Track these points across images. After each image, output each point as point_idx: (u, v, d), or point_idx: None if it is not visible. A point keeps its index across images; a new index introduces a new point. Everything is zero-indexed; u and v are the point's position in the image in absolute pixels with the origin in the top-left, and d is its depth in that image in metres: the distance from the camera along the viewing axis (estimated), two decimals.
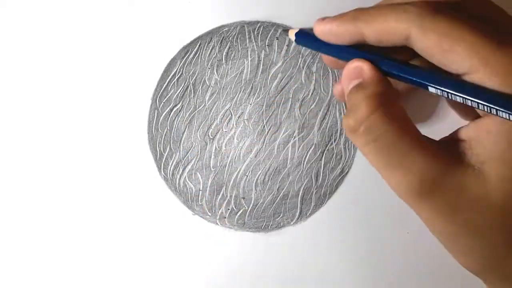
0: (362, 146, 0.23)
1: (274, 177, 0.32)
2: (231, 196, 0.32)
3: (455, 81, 0.21)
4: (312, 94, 0.32)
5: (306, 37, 0.26)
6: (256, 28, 0.33)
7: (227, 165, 0.32)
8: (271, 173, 0.32)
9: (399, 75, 0.23)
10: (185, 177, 0.32)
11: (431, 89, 0.22)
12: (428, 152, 0.22)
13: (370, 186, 0.32)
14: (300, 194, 0.32)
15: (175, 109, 0.33)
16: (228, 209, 0.32)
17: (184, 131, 0.32)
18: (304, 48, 0.32)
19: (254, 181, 0.32)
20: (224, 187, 0.32)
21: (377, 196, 0.32)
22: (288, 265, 0.32)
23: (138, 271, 0.32)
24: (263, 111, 0.32)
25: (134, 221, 0.32)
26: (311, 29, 0.25)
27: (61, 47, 0.33)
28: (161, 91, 0.33)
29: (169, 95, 0.33)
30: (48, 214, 0.32)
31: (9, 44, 0.33)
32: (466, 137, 0.23)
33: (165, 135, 0.33)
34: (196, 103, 0.33)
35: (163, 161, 0.32)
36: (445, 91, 0.22)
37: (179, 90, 0.33)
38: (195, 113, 0.32)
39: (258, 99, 0.32)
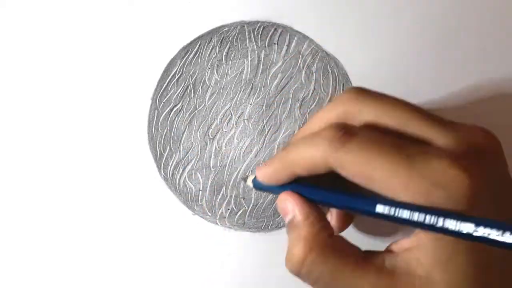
0: (310, 285, 0.24)
1: None
2: (231, 196, 0.32)
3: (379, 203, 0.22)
4: (312, 94, 0.32)
5: (259, 182, 0.27)
6: (256, 28, 0.33)
7: (227, 165, 0.32)
8: None
9: (323, 202, 0.24)
10: (185, 177, 0.32)
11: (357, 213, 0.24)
12: (372, 274, 0.22)
13: None
14: None
15: (175, 109, 0.33)
16: (228, 209, 0.32)
17: (184, 131, 0.32)
18: (304, 48, 0.32)
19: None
20: (224, 187, 0.32)
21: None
22: None
23: (138, 271, 0.32)
24: (263, 111, 0.32)
25: (134, 221, 0.32)
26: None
27: (61, 47, 0.33)
28: (161, 91, 0.33)
29: (169, 95, 0.33)
30: (48, 214, 0.32)
31: (9, 44, 0.33)
32: (408, 248, 0.23)
33: (165, 135, 0.33)
34: (196, 103, 0.33)
35: (163, 161, 0.32)
36: (368, 213, 0.22)
37: (179, 90, 0.33)
38: (195, 113, 0.32)
39: (258, 99, 0.32)
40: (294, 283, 0.32)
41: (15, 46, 0.33)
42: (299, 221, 0.24)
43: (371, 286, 0.22)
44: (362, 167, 0.22)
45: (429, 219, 0.20)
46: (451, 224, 0.20)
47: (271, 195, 0.32)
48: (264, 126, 0.32)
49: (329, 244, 0.23)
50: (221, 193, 0.32)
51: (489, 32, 0.32)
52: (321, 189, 0.24)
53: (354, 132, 0.22)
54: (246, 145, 0.32)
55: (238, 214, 0.32)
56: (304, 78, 0.32)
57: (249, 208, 0.32)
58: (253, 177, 0.28)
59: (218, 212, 0.32)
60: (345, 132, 0.22)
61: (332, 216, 0.28)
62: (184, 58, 0.33)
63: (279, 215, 0.32)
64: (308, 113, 0.32)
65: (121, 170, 0.32)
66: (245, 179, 0.29)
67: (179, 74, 0.33)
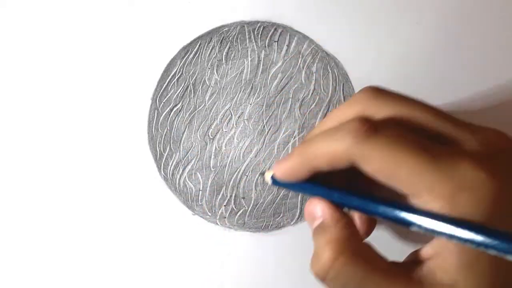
0: None
1: None
2: (231, 196, 0.32)
3: (396, 206, 0.22)
4: (312, 94, 0.32)
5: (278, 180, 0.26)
6: (256, 28, 0.33)
7: (227, 165, 0.32)
8: None
9: (352, 206, 0.23)
10: (185, 177, 0.32)
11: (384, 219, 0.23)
12: (399, 283, 0.22)
13: None
14: (300, 194, 0.32)
15: (175, 109, 0.33)
16: (228, 209, 0.32)
17: (184, 131, 0.32)
18: (304, 48, 0.32)
19: (254, 181, 0.32)
20: (224, 187, 0.32)
21: None
22: (288, 265, 0.32)
23: (138, 271, 0.32)
24: (263, 111, 0.32)
25: (134, 221, 0.32)
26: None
27: (61, 47, 0.33)
28: (161, 91, 0.33)
29: (169, 95, 0.33)
30: (48, 214, 0.32)
31: (9, 44, 0.33)
32: (432, 256, 0.22)
33: (165, 135, 0.33)
34: (196, 103, 0.33)
35: (163, 161, 0.32)
36: (391, 218, 0.22)
37: (179, 90, 0.33)
38: (195, 113, 0.33)
39: (258, 99, 0.32)
40: (293, 282, 0.32)
41: (15, 46, 0.33)
42: (330, 225, 0.23)
43: None
44: (387, 163, 0.21)
45: (452, 230, 0.20)
46: (476, 237, 0.20)
47: (271, 195, 0.32)
48: (264, 126, 0.32)
49: (359, 250, 0.23)
50: (221, 193, 0.32)
51: (492, 34, 0.32)
52: (340, 191, 0.24)
53: (380, 127, 0.22)
54: (246, 145, 0.32)
55: (238, 214, 0.32)
56: (304, 78, 0.32)
57: (249, 208, 0.32)
58: (271, 173, 0.27)
59: (218, 212, 0.32)
60: (370, 125, 0.22)
61: (356, 222, 0.27)
62: (184, 58, 0.33)
63: (279, 215, 0.32)
64: (308, 113, 0.32)
65: (121, 170, 0.32)
66: (263, 174, 0.28)
67: (179, 74, 0.33)
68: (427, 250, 0.23)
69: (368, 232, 0.27)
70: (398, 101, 0.23)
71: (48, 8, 0.33)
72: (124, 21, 0.33)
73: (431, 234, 0.21)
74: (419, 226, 0.21)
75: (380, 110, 0.23)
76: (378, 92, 0.24)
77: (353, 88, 0.32)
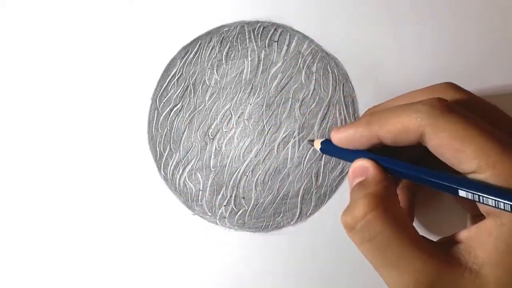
0: (358, 244, 0.23)
1: (274, 177, 0.32)
2: (231, 196, 0.32)
3: (463, 179, 0.22)
4: (312, 94, 0.32)
5: (330, 145, 0.27)
6: (256, 28, 0.33)
7: (227, 165, 0.32)
8: (271, 173, 0.32)
9: (403, 172, 0.24)
10: (185, 177, 0.32)
11: (439, 187, 0.23)
12: (425, 253, 0.22)
13: None
14: (300, 194, 0.32)
15: (175, 109, 0.33)
16: (228, 209, 0.32)
17: (184, 131, 0.32)
18: (304, 48, 0.32)
19: (254, 181, 0.32)
20: (224, 187, 0.32)
21: None
22: (288, 265, 0.32)
23: (138, 271, 0.32)
24: (263, 111, 0.32)
25: (134, 221, 0.32)
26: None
27: (61, 47, 0.33)
28: (161, 91, 0.33)
29: (169, 95, 0.33)
30: (48, 214, 0.32)
31: (9, 44, 0.33)
32: (465, 239, 0.23)
33: (165, 135, 0.33)
34: (196, 103, 0.33)
35: (163, 161, 0.32)
36: (455, 187, 0.23)
37: (179, 90, 0.33)
38: (195, 113, 0.32)
39: (258, 99, 0.32)
40: (293, 282, 0.32)
41: (15, 46, 0.33)
42: (372, 182, 0.24)
43: (421, 266, 0.22)
44: (457, 137, 0.22)
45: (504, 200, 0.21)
46: None
47: (271, 196, 0.32)
48: (264, 126, 0.32)
49: (394, 212, 0.23)
50: (221, 193, 0.32)
51: (492, 34, 0.32)
52: (402, 161, 0.24)
53: (456, 107, 0.23)
54: (246, 145, 0.32)
55: (238, 214, 0.32)
56: (304, 78, 0.32)
57: (249, 208, 0.32)
58: (321, 140, 0.28)
59: (218, 212, 0.32)
60: (448, 103, 0.23)
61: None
62: (184, 58, 0.33)
63: (279, 215, 0.32)
64: (308, 113, 0.32)
65: (121, 170, 0.32)
66: (312, 141, 0.29)
67: (179, 74, 0.33)
68: (463, 233, 0.23)
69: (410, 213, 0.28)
70: (470, 96, 0.25)
71: (48, 8, 0.33)
72: (124, 21, 0.33)
73: (483, 200, 0.22)
74: (472, 193, 0.22)
75: (456, 100, 0.25)
76: (455, 86, 0.26)
77: (353, 88, 0.32)
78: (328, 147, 0.27)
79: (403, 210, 0.24)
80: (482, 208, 0.23)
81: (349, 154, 0.26)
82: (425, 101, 0.23)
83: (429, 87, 0.26)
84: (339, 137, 0.26)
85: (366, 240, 0.23)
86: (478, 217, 0.24)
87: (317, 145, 0.28)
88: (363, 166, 0.25)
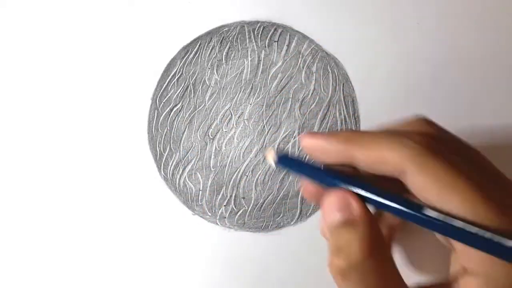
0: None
1: (274, 177, 0.32)
2: (231, 196, 0.32)
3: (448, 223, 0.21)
4: (312, 94, 0.32)
5: (287, 159, 0.24)
6: (256, 28, 0.33)
7: (227, 165, 0.32)
8: (271, 173, 0.32)
9: (387, 206, 0.22)
10: (185, 177, 0.32)
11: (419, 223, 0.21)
12: None
13: None
14: (300, 194, 0.32)
15: (175, 109, 0.33)
16: (228, 209, 0.32)
17: (184, 131, 0.32)
18: (304, 48, 0.32)
19: (254, 181, 0.32)
20: (224, 187, 0.32)
21: None
22: (288, 265, 0.32)
23: (138, 271, 0.32)
24: (263, 111, 0.32)
25: (134, 221, 0.32)
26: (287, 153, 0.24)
27: (61, 47, 0.33)
28: (161, 91, 0.33)
29: (169, 95, 0.33)
30: (48, 214, 0.32)
31: (9, 44, 0.33)
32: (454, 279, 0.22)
33: (165, 135, 0.33)
34: (196, 103, 0.33)
35: (163, 161, 0.32)
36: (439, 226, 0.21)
37: (179, 90, 0.33)
38: (195, 113, 0.33)
39: (258, 99, 0.32)
40: (294, 283, 0.32)
41: (15, 46, 0.33)
42: (361, 222, 0.22)
43: None
44: (444, 185, 0.20)
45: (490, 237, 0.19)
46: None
47: (271, 196, 0.32)
48: (264, 126, 0.32)
49: (388, 256, 0.22)
50: (221, 193, 0.32)
51: (492, 34, 0.32)
52: (386, 193, 0.22)
53: (439, 148, 0.21)
54: (246, 145, 0.32)
55: (238, 214, 0.32)
56: (304, 78, 0.32)
57: (249, 208, 0.32)
58: (273, 152, 0.24)
59: (218, 212, 0.32)
60: (438, 142, 0.21)
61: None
62: (184, 58, 0.33)
63: (279, 215, 0.32)
64: (308, 113, 0.32)
65: (121, 170, 0.32)
66: (264, 153, 0.27)
67: (179, 74, 0.33)
68: (452, 277, 0.22)
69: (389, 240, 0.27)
70: (443, 131, 0.23)
71: (48, 8, 0.33)
72: (124, 21, 0.33)
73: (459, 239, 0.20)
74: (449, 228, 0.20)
75: (432, 136, 0.23)
76: (428, 121, 0.24)
77: (353, 88, 0.32)
78: (286, 161, 0.24)
79: (391, 256, 0.23)
80: (463, 259, 0.22)
81: (312, 171, 0.23)
82: (412, 136, 0.21)
83: (404, 122, 0.24)
84: (310, 143, 0.23)
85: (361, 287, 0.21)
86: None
87: (270, 157, 0.24)
88: (345, 200, 0.22)
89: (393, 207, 0.21)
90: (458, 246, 0.21)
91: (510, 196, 0.21)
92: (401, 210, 0.21)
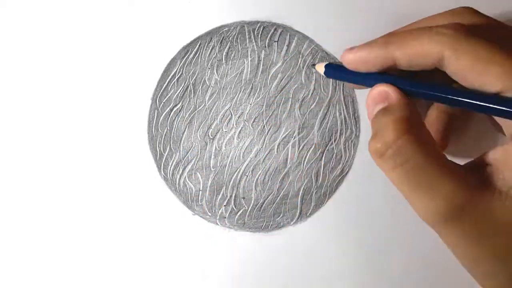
0: (389, 170, 0.23)
1: (274, 177, 0.32)
2: (231, 196, 0.32)
3: (487, 96, 0.22)
4: (312, 94, 0.32)
5: (334, 68, 0.26)
6: (256, 28, 0.33)
7: (227, 165, 0.32)
8: (271, 173, 0.32)
9: (427, 93, 0.23)
10: (185, 177, 0.32)
11: (462, 105, 0.23)
12: (456, 176, 0.22)
13: (370, 186, 0.32)
14: (300, 194, 0.32)
15: (175, 109, 0.33)
16: (228, 209, 0.32)
17: (184, 131, 0.33)
18: (304, 48, 0.32)
19: (254, 181, 0.32)
20: (224, 187, 0.32)
21: (377, 196, 0.32)
22: (288, 265, 0.32)
23: (138, 271, 0.32)
24: (263, 111, 0.32)
25: (134, 221, 0.32)
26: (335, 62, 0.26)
27: (61, 47, 0.33)
28: (161, 91, 0.33)
29: (169, 95, 0.33)
30: (48, 214, 0.32)
31: (9, 44, 0.33)
32: (493, 161, 0.23)
33: (165, 135, 0.33)
34: (196, 103, 0.33)
35: (163, 161, 0.32)
36: (479, 104, 0.22)
37: (179, 90, 0.33)
38: (195, 113, 0.33)
39: (258, 99, 0.32)
40: (294, 283, 0.32)
41: (15, 46, 0.33)
42: (397, 107, 0.23)
43: (453, 188, 0.22)
44: (480, 61, 0.21)
45: None
46: None
47: (271, 196, 0.32)
48: (264, 126, 0.32)
49: (424, 134, 0.23)
50: (221, 193, 0.32)
51: None
52: (424, 83, 0.23)
53: (476, 31, 0.22)
54: (246, 145, 0.32)
55: (238, 214, 0.32)
56: (304, 78, 0.32)
57: (249, 208, 0.32)
58: (323, 65, 0.26)
59: (218, 212, 0.32)
60: (470, 28, 0.22)
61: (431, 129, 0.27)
62: (184, 58, 0.33)
63: (279, 215, 0.32)
64: (308, 113, 0.32)
65: (121, 170, 0.32)
66: (313, 65, 0.28)
67: (179, 74, 0.33)
68: (491, 155, 0.23)
69: (444, 142, 0.28)
70: (490, 20, 0.24)
71: (48, 8, 0.33)
72: (124, 21, 0.33)
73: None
74: (497, 110, 0.22)
75: (475, 24, 0.24)
76: (473, 10, 0.25)
77: (353, 88, 0.32)
78: (334, 70, 0.26)
79: (430, 134, 0.23)
80: (508, 130, 0.23)
81: (358, 77, 0.25)
82: (448, 25, 0.23)
83: (448, 12, 0.25)
84: (352, 58, 0.24)
85: (397, 165, 0.22)
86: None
87: (320, 68, 0.26)
88: (383, 91, 0.24)
89: (432, 94, 0.23)
90: (503, 123, 0.23)
91: None
92: (438, 95, 0.23)
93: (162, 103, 0.33)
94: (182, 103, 0.33)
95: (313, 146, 0.32)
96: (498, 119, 0.23)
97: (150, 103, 0.33)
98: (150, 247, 0.32)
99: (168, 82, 0.33)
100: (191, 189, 0.32)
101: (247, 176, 0.32)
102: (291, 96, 0.32)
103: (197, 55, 0.33)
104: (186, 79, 0.33)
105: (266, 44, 0.33)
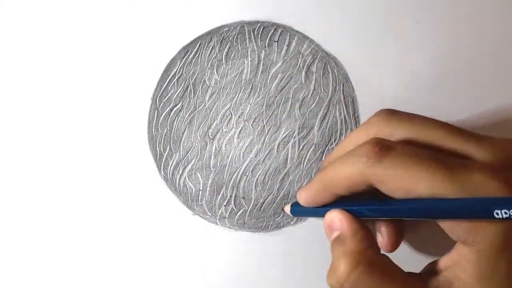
0: None
1: (274, 177, 0.32)
2: (231, 196, 0.32)
3: (423, 202, 0.22)
4: (312, 94, 0.32)
5: (297, 206, 0.28)
6: (256, 28, 0.33)
7: (227, 165, 0.32)
8: (271, 173, 0.32)
9: (376, 215, 0.24)
10: (185, 177, 0.32)
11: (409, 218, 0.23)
12: None
13: None
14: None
15: (175, 109, 0.33)
16: (228, 209, 0.32)
17: (184, 131, 0.33)
18: (304, 48, 0.32)
19: (254, 181, 0.32)
20: (224, 187, 0.32)
21: None
22: (288, 265, 0.32)
23: (138, 271, 0.32)
24: (263, 111, 0.32)
25: (134, 221, 0.32)
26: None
27: (61, 47, 0.33)
28: (161, 91, 0.33)
29: (169, 95, 0.33)
30: (48, 214, 0.32)
31: (9, 44, 0.33)
32: (450, 265, 0.23)
33: (165, 135, 0.33)
34: (196, 103, 0.33)
35: (163, 161, 0.32)
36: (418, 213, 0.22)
37: (179, 90, 0.33)
38: (195, 113, 0.33)
39: (258, 99, 0.32)
40: (294, 283, 0.32)
41: (15, 46, 0.33)
42: (347, 236, 0.24)
43: None
44: (403, 181, 0.21)
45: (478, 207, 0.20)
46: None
47: (271, 196, 0.32)
48: (264, 126, 0.32)
49: (376, 261, 0.23)
50: (221, 193, 0.32)
51: (492, 33, 0.32)
52: (370, 203, 0.24)
53: (391, 146, 0.22)
54: (246, 145, 0.32)
55: (238, 214, 0.32)
56: (304, 78, 0.32)
57: (249, 208, 0.32)
58: (289, 206, 0.29)
59: (218, 212, 0.32)
60: (382, 146, 0.22)
61: (383, 236, 0.27)
62: (184, 58, 0.33)
63: (279, 215, 0.32)
64: (308, 113, 0.32)
65: (122, 170, 0.32)
66: (282, 210, 0.31)
67: (179, 74, 0.33)
68: (444, 261, 0.23)
69: (395, 244, 0.27)
70: (411, 121, 0.24)
71: (48, 8, 0.33)
72: (124, 21, 0.33)
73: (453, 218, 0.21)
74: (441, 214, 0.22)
75: (394, 131, 0.24)
76: (391, 114, 0.25)
77: (353, 88, 0.32)
78: (298, 210, 0.28)
79: (383, 257, 0.24)
80: (452, 234, 0.22)
81: (318, 211, 0.26)
82: (360, 152, 0.23)
83: (365, 124, 0.25)
84: (303, 199, 0.26)
85: None
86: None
87: (287, 209, 0.29)
88: (333, 219, 0.25)
89: (367, 211, 0.24)
90: (444, 226, 0.22)
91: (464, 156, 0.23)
92: (374, 209, 0.24)
93: (162, 103, 0.33)
94: (182, 103, 0.33)
95: (313, 146, 0.32)
96: (442, 225, 0.23)
97: (150, 103, 0.33)
98: (150, 247, 0.32)
99: (168, 82, 0.33)
100: (191, 189, 0.32)
101: (247, 176, 0.32)
102: (291, 96, 0.32)
103: (197, 55, 0.33)
104: (186, 79, 0.33)
105: (266, 44, 0.33)
